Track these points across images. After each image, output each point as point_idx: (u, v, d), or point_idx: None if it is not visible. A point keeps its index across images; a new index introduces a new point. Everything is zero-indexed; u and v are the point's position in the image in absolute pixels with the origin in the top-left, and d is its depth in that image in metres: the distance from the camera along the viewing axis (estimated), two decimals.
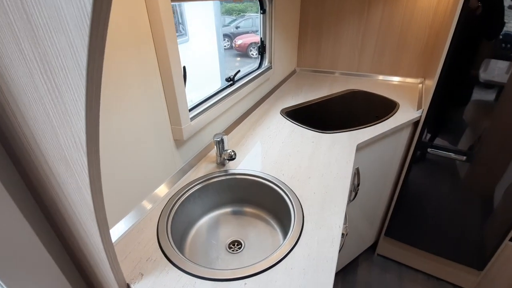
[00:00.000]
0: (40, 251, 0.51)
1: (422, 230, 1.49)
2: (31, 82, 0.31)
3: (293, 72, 1.96)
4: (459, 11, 1.01)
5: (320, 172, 0.91)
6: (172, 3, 0.71)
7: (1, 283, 0.45)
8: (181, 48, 0.76)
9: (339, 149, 1.03)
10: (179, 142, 0.87)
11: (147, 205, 0.77)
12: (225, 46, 4.96)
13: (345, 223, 0.76)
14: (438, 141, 1.25)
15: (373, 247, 1.77)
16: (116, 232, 0.69)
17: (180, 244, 0.80)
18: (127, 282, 0.58)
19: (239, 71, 1.19)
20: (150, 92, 0.71)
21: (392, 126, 1.18)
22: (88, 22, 0.23)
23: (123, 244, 0.67)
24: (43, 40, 0.26)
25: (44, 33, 0.26)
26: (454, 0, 1.27)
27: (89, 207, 0.41)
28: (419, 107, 1.34)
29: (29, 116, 0.35)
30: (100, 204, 0.41)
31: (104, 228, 0.45)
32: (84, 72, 0.26)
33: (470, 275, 1.48)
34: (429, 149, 1.28)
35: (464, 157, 1.21)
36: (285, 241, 0.66)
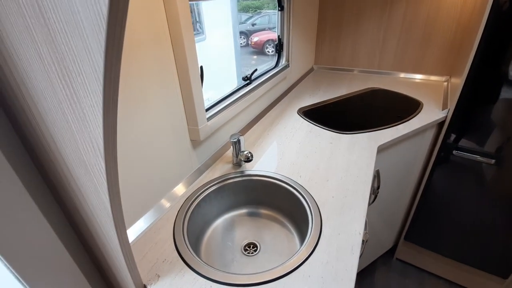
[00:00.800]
0: (62, 252, 0.52)
1: (444, 235, 1.42)
2: (50, 87, 0.31)
3: (310, 70, 1.92)
4: (490, 5, 0.94)
5: (339, 174, 0.88)
6: (190, 2, 0.70)
7: (25, 284, 0.46)
8: (198, 46, 0.75)
9: (358, 151, 0.99)
10: (195, 143, 0.87)
11: (166, 203, 0.78)
12: (241, 43, 4.94)
13: (365, 229, 0.73)
14: (464, 142, 1.18)
15: (392, 251, 1.71)
16: (135, 230, 0.69)
17: (196, 244, 0.80)
18: (144, 283, 0.58)
19: (256, 69, 1.18)
20: (167, 93, 0.71)
21: (416, 127, 1.12)
22: (105, 26, 0.22)
23: (141, 244, 0.67)
24: (60, 45, 0.26)
25: (61, 38, 0.25)
26: None
27: (107, 210, 0.41)
28: (444, 106, 1.27)
29: (49, 121, 0.35)
30: (118, 207, 0.41)
31: (121, 230, 0.45)
32: (101, 77, 0.25)
33: (494, 283, 1.39)
34: (454, 151, 1.21)
35: (492, 160, 1.13)
36: (302, 246, 0.64)
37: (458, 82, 1.17)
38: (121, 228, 0.44)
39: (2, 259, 0.43)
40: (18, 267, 0.45)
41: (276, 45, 1.38)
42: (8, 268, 0.44)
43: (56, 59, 0.27)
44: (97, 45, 0.23)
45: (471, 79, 1.07)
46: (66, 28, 0.24)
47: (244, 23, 5.07)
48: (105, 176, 0.35)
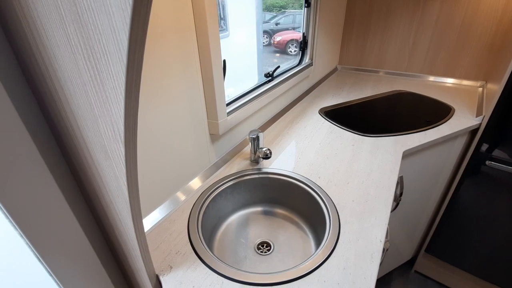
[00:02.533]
0: (82, 239, 0.53)
1: (469, 250, 1.33)
2: (76, 68, 0.30)
3: (334, 70, 1.87)
4: None
5: (360, 178, 0.84)
6: None
7: (49, 270, 0.47)
8: (222, 43, 0.75)
9: (382, 155, 0.95)
10: (214, 137, 0.86)
11: (181, 196, 0.78)
12: (264, 42, 4.93)
13: (386, 237, 0.69)
14: (498, 153, 1.10)
15: (411, 262, 1.64)
16: (150, 220, 0.70)
17: (209, 239, 0.79)
18: (156, 273, 0.58)
19: (278, 66, 1.16)
20: (189, 84, 0.70)
21: (447, 133, 1.06)
22: (131, 2, 0.21)
23: (155, 234, 0.67)
24: (87, 24, 0.25)
25: (88, 16, 0.25)
26: None
27: (124, 196, 0.41)
28: (478, 113, 1.19)
29: (74, 104, 0.36)
30: (135, 194, 0.41)
31: (137, 217, 0.45)
32: (125, 58, 0.24)
33: None
34: (487, 162, 1.13)
35: None
36: (318, 249, 0.62)
37: (496, 88, 1.09)
38: (137, 216, 0.44)
39: (27, 240, 0.44)
40: (42, 251, 0.46)
41: (300, 43, 1.35)
42: (32, 250, 0.45)
43: (82, 39, 0.27)
44: (123, 23, 0.22)
45: (510, 86, 0.99)
46: (93, 5, 0.23)
47: (268, 22, 5.05)
48: (124, 162, 0.35)
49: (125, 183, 0.38)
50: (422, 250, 1.50)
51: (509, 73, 0.99)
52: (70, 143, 0.43)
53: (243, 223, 0.87)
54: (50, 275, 0.49)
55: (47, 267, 0.48)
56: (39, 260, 0.47)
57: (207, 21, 0.65)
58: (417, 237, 1.50)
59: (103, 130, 0.34)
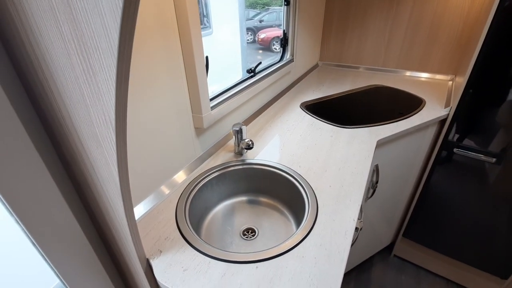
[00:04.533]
0: (74, 225, 0.55)
1: (443, 233, 1.44)
2: (69, 62, 0.34)
3: (315, 66, 1.93)
4: (496, 5, 0.95)
5: (337, 166, 0.90)
6: None
7: (45, 256, 0.50)
8: (205, 40, 0.78)
9: (358, 144, 1.02)
10: (199, 130, 0.90)
11: (165, 190, 0.81)
12: (248, 40, 4.96)
13: (359, 218, 0.76)
14: (466, 141, 1.20)
15: (390, 247, 1.73)
16: (139, 210, 0.73)
17: (197, 227, 0.83)
18: (147, 257, 0.61)
19: (260, 63, 1.20)
20: (173, 79, 0.74)
21: (417, 123, 1.14)
22: (121, 4, 0.25)
23: (144, 223, 0.71)
24: (80, 23, 0.29)
25: (82, 16, 0.28)
26: None
27: (115, 182, 0.44)
28: (447, 104, 1.29)
29: (66, 95, 0.39)
30: (125, 180, 0.45)
31: (128, 203, 0.48)
32: (115, 52, 0.28)
33: (493, 283, 1.41)
34: (455, 149, 1.23)
35: (493, 159, 1.14)
36: (298, 229, 0.67)
37: (462, 81, 1.18)
38: (127, 200, 0.48)
39: (22, 225, 0.47)
40: (36, 235, 0.49)
41: (281, 40, 1.40)
42: (27, 236, 0.48)
43: (75, 36, 0.30)
44: (114, 22, 0.26)
45: (474, 79, 1.08)
46: (86, 7, 0.27)
47: (252, 19, 5.08)
48: (115, 148, 0.38)
49: (116, 169, 0.42)
50: (400, 235, 1.60)
51: (472, 66, 1.08)
52: (61, 133, 0.46)
53: (228, 212, 0.91)
54: (45, 259, 0.52)
55: (41, 251, 0.50)
56: (34, 245, 0.49)
57: (189, 18, 0.68)
58: (395, 222, 1.60)
59: (95, 119, 0.37)
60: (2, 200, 0.43)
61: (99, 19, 0.27)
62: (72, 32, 0.30)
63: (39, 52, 0.37)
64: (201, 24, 0.76)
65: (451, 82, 1.59)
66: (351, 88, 1.56)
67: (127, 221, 0.51)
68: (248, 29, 5.02)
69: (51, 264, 0.53)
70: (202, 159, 0.94)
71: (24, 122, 0.44)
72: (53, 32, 0.32)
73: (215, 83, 1.03)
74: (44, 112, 0.45)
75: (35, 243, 0.49)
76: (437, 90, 1.48)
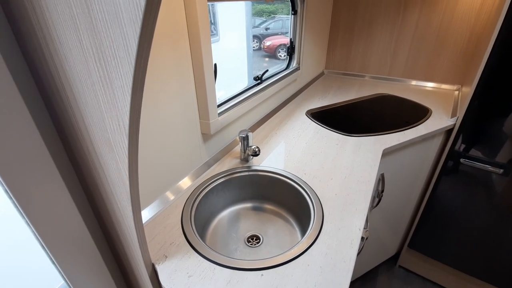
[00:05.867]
0: (82, 228, 0.56)
1: (450, 245, 1.42)
2: (86, 69, 0.35)
3: (321, 74, 1.95)
4: (504, 15, 0.95)
5: (343, 174, 0.90)
6: (208, 3, 0.74)
7: (52, 257, 0.51)
8: (212, 47, 0.80)
9: (364, 153, 1.01)
10: (206, 136, 0.91)
11: (174, 193, 0.82)
12: (254, 47, 5.02)
13: (365, 227, 0.75)
14: (473, 152, 1.19)
15: (395, 258, 1.71)
16: (145, 215, 0.73)
17: (202, 233, 0.83)
18: (152, 262, 0.62)
19: (267, 70, 1.22)
20: (182, 86, 0.75)
21: (423, 133, 1.13)
22: (141, 15, 0.26)
23: (150, 227, 0.71)
24: (100, 32, 0.30)
25: (101, 26, 0.29)
26: (499, 3, 1.20)
27: (125, 186, 0.45)
28: (453, 114, 1.28)
29: (81, 101, 0.40)
30: (135, 185, 0.45)
31: (136, 207, 0.49)
32: (133, 61, 0.29)
33: None
34: (462, 160, 1.22)
35: (501, 170, 1.13)
36: (303, 238, 0.67)
37: (468, 91, 1.18)
38: (136, 205, 0.48)
39: (33, 228, 0.47)
40: (44, 236, 0.49)
41: (288, 48, 1.41)
42: (36, 237, 0.49)
43: (94, 45, 0.31)
44: (133, 32, 0.27)
45: (481, 89, 1.08)
46: (107, 17, 0.28)
47: (258, 27, 5.14)
48: (127, 153, 0.39)
49: (127, 173, 0.42)
50: (406, 246, 1.58)
51: (479, 76, 1.08)
52: (74, 137, 0.47)
53: (233, 218, 0.91)
54: (52, 261, 0.52)
55: (49, 252, 0.51)
56: (42, 246, 0.50)
57: (199, 27, 0.70)
58: (401, 232, 1.58)
59: (109, 124, 0.38)
60: (14, 203, 0.44)
61: (119, 29, 0.28)
62: (91, 40, 0.31)
63: (57, 59, 0.38)
64: None
65: (457, 92, 1.58)
66: (357, 97, 1.56)
67: (135, 224, 0.51)
68: (254, 36, 5.08)
69: (57, 265, 0.53)
70: (208, 164, 0.95)
71: (39, 125, 0.45)
72: (73, 40, 0.34)
73: (221, 89, 1.05)
74: (58, 116, 0.46)
75: (43, 244, 0.50)
76: (443, 100, 1.48)
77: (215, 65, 0.86)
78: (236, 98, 1.02)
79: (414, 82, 1.73)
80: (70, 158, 0.52)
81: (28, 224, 0.47)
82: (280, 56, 4.77)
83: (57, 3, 0.32)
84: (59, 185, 0.50)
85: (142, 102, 0.63)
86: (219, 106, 0.95)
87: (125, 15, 0.27)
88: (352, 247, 0.64)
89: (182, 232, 0.70)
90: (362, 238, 0.71)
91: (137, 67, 0.29)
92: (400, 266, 1.68)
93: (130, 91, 0.32)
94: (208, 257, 0.62)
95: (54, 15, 0.34)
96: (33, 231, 0.48)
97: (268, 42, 5.00)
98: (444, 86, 1.65)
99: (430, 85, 1.69)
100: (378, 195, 1.16)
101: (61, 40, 0.35)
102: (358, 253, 0.67)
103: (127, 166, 0.41)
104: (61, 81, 0.40)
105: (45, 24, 0.36)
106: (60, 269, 0.55)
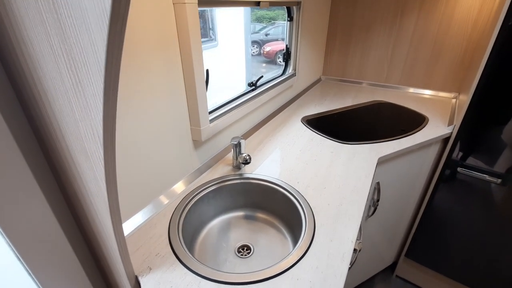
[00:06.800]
0: (61, 238, 0.54)
1: (447, 255, 1.39)
2: (59, 76, 0.33)
3: (318, 81, 1.94)
4: (500, 24, 0.95)
5: (336, 183, 0.88)
6: (200, 8, 0.73)
7: (27, 268, 0.49)
8: (210, 52, 0.79)
9: (358, 161, 1.00)
10: (197, 143, 0.89)
11: (164, 200, 0.80)
12: (254, 52, 5.04)
13: (358, 238, 0.73)
14: (470, 160, 1.17)
15: (392, 267, 1.68)
16: (132, 223, 0.71)
17: (190, 243, 0.81)
18: (135, 274, 0.59)
19: (262, 76, 1.20)
20: (172, 92, 0.74)
21: (419, 141, 1.12)
22: (107, 22, 0.24)
23: (136, 237, 0.69)
24: (69, 37, 0.28)
25: (70, 31, 0.28)
26: (495, 12, 1.19)
27: (103, 197, 0.43)
28: (450, 123, 1.27)
29: (56, 109, 0.38)
30: (114, 195, 0.43)
31: (116, 218, 0.47)
32: (102, 69, 0.27)
33: None
34: (459, 169, 1.20)
35: (499, 180, 1.11)
36: (293, 250, 0.65)
37: (465, 99, 1.17)
38: (116, 216, 0.46)
39: (6, 239, 0.45)
40: (20, 247, 0.47)
41: (284, 54, 1.41)
42: (9, 245, 0.47)
43: (65, 50, 0.30)
44: (101, 39, 0.26)
45: (478, 97, 1.07)
46: (75, 23, 0.27)
47: (258, 32, 5.17)
48: (103, 163, 0.37)
49: (104, 183, 0.41)
50: (402, 255, 1.55)
51: (476, 84, 1.06)
52: (52, 145, 0.46)
53: (224, 227, 0.89)
54: (29, 274, 0.50)
55: (26, 267, 0.49)
56: (18, 259, 0.48)
57: (190, 34, 0.69)
58: (397, 242, 1.55)
59: (84, 133, 0.37)
60: None
61: (87, 35, 0.26)
62: (61, 46, 0.30)
63: (31, 65, 0.36)
64: (207, 36, 0.77)
65: (454, 99, 1.57)
66: (353, 104, 1.55)
67: (115, 236, 0.49)
68: (254, 42, 5.11)
69: (35, 279, 0.51)
70: (200, 171, 0.93)
71: (14, 130, 0.43)
72: (44, 45, 0.32)
73: (218, 94, 1.03)
74: (37, 125, 0.45)
75: (19, 256, 0.48)
76: (440, 108, 1.47)
77: (207, 71, 0.84)
78: (229, 104, 1.01)
79: (411, 90, 1.72)
80: (50, 167, 0.50)
81: (1, 234, 0.45)
82: (280, 61, 4.78)
83: (27, 7, 0.30)
84: (35, 193, 0.48)
85: (129, 108, 0.61)
86: (211, 112, 0.93)
87: (92, 20, 0.25)
88: (344, 260, 0.62)
89: (168, 243, 0.67)
90: (355, 250, 0.69)
91: (107, 74, 0.28)
92: (397, 276, 1.65)
93: (102, 99, 0.30)
94: (194, 269, 0.60)
95: (26, 20, 0.32)
96: (7, 242, 0.46)
97: (267, 48, 5.02)
98: (441, 94, 1.65)
99: (427, 92, 1.68)
100: (373, 204, 1.14)
101: (34, 44, 0.34)
102: (350, 266, 0.65)
103: (104, 177, 0.39)
104: (36, 87, 0.39)
105: (19, 30, 0.34)
106: (38, 283, 0.53)
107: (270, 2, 1.02)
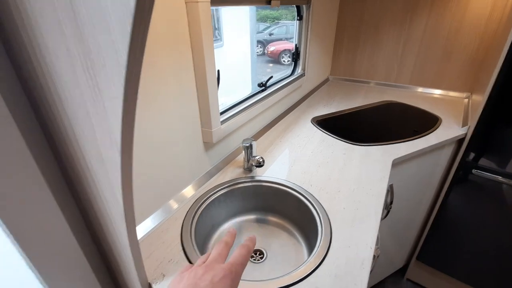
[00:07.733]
0: (74, 246, 0.52)
1: (460, 258, 1.36)
2: (74, 79, 0.32)
3: (326, 80, 1.91)
4: None
5: (351, 186, 0.86)
6: (212, 7, 0.71)
7: (37, 273, 0.47)
8: (216, 52, 0.77)
9: (372, 164, 0.97)
10: (208, 145, 0.87)
11: (174, 204, 0.78)
12: (258, 52, 5.02)
13: (377, 244, 0.70)
14: (484, 162, 1.14)
15: (403, 270, 1.65)
16: (143, 228, 0.70)
17: (202, 246, 0.79)
18: (149, 281, 0.58)
19: (271, 77, 1.18)
20: (183, 94, 0.72)
21: (433, 143, 1.09)
22: (131, 20, 0.22)
23: (148, 242, 0.67)
24: (87, 38, 0.26)
25: (88, 31, 0.26)
26: (510, 10, 1.16)
27: (119, 205, 0.41)
28: (464, 123, 1.24)
29: (70, 112, 0.36)
30: (130, 203, 0.41)
31: (131, 227, 0.45)
32: (123, 70, 0.25)
33: None
34: (473, 170, 1.17)
35: None
36: (310, 257, 0.63)
37: (480, 99, 1.14)
38: (131, 224, 0.44)
39: (19, 247, 0.44)
40: (32, 255, 0.46)
41: (293, 54, 1.38)
42: (20, 253, 0.45)
43: (82, 52, 0.28)
44: (122, 38, 0.24)
45: (494, 97, 1.03)
46: (94, 22, 0.25)
47: (262, 32, 5.15)
48: (120, 170, 0.35)
49: (120, 191, 0.39)
50: (414, 258, 1.52)
51: (492, 85, 1.03)
52: (66, 151, 0.44)
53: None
54: (41, 282, 0.48)
55: (39, 275, 0.47)
56: (30, 268, 0.46)
57: (202, 33, 0.67)
58: (409, 245, 1.52)
59: (100, 139, 0.35)
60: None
61: (108, 35, 0.25)
62: (78, 47, 0.28)
63: (45, 67, 0.35)
64: (213, 36, 0.74)
65: (467, 99, 1.54)
66: (363, 104, 1.52)
67: (129, 243, 0.47)
68: (258, 41, 5.08)
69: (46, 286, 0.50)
70: (210, 174, 0.91)
71: (27, 138, 0.41)
72: (59, 46, 0.30)
73: (224, 95, 1.01)
74: (49, 129, 0.43)
75: (31, 264, 0.46)
76: (452, 108, 1.43)
77: (218, 71, 0.82)
78: (239, 105, 0.99)
79: (421, 89, 1.69)
80: (62, 173, 0.48)
81: (14, 243, 0.43)
82: (284, 61, 4.76)
83: (41, 7, 0.29)
84: (49, 202, 0.47)
85: (140, 110, 0.60)
86: (221, 113, 0.91)
87: (113, 18, 0.23)
88: (364, 268, 0.59)
89: (181, 248, 0.66)
90: (374, 256, 0.66)
91: (128, 76, 0.26)
92: (407, 279, 1.62)
93: (121, 104, 0.28)
94: None
95: (40, 20, 0.30)
96: (19, 251, 0.44)
97: (272, 48, 5.00)
98: (452, 94, 1.61)
99: (437, 92, 1.65)
100: (387, 207, 1.11)
101: (48, 46, 0.32)
102: (370, 273, 0.62)
103: (121, 184, 0.37)
104: (50, 91, 0.37)
105: (31, 30, 0.33)
106: None
107: (281, 0, 0.99)
